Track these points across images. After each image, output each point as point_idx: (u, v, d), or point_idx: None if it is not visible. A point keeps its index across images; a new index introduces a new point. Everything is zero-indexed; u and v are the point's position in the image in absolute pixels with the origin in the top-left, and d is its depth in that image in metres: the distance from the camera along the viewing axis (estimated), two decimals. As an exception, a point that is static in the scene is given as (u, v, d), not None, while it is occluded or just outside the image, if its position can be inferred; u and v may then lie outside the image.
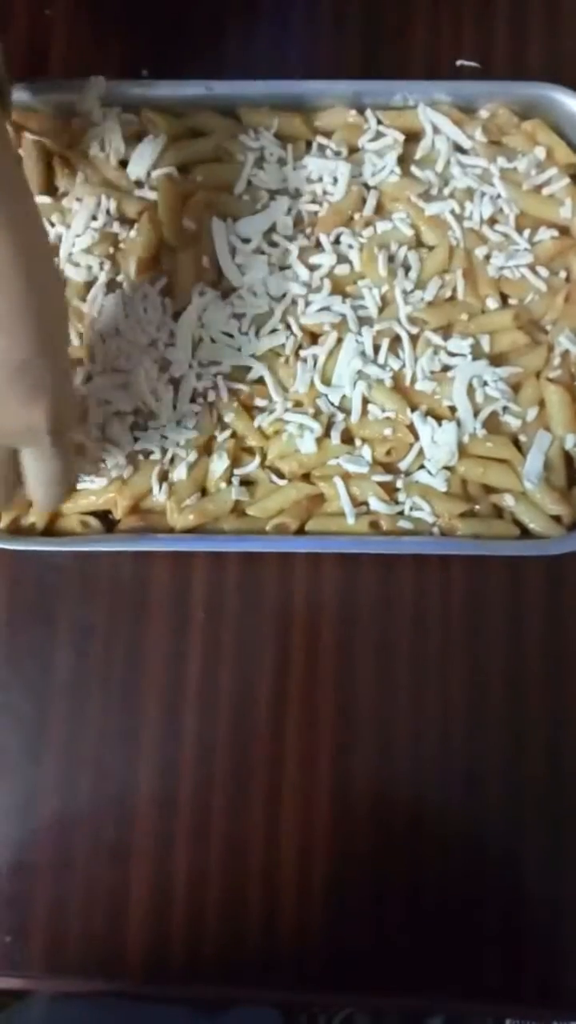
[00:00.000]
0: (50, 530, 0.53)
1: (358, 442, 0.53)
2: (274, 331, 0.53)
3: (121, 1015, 0.58)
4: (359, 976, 0.50)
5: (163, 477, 0.52)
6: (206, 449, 0.53)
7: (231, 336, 0.53)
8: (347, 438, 0.53)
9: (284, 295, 0.53)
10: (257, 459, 0.53)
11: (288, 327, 0.53)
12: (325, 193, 0.55)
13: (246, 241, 0.54)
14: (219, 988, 0.50)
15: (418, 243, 0.55)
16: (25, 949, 0.51)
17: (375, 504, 0.52)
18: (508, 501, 0.52)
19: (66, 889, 0.51)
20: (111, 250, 0.54)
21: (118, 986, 0.51)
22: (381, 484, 0.52)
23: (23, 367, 0.38)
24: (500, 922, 0.50)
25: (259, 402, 0.53)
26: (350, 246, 0.54)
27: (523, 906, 0.51)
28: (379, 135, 0.55)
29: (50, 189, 0.56)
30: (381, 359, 0.53)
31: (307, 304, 0.53)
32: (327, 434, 0.52)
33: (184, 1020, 0.62)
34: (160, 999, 0.56)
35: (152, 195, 0.55)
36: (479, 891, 0.51)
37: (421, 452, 0.52)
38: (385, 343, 0.53)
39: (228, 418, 0.53)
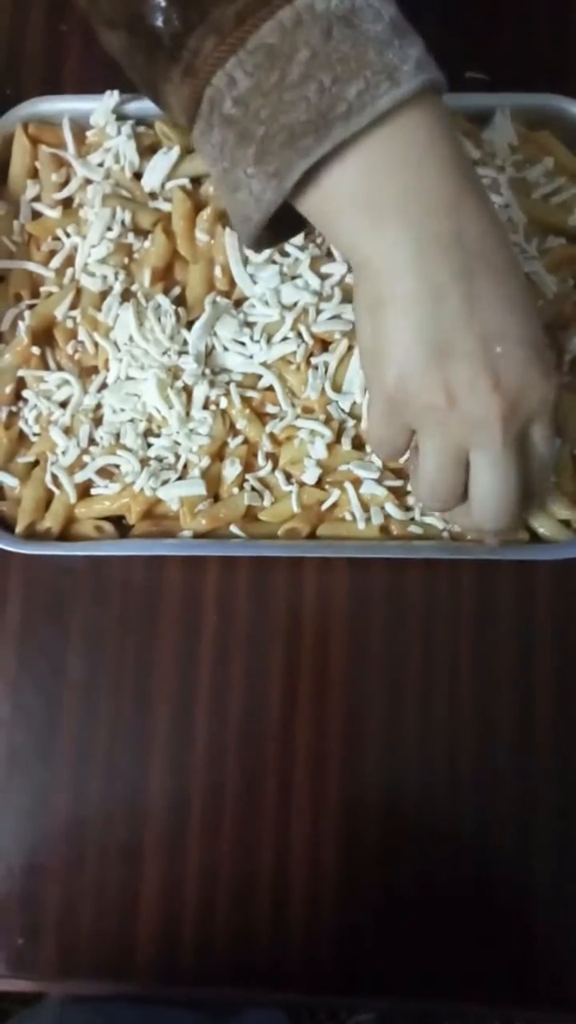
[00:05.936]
0: (65, 535, 0.53)
1: (368, 448, 0.53)
2: (285, 339, 0.54)
3: (130, 1021, 0.58)
4: (369, 979, 0.50)
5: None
6: (218, 455, 0.54)
7: (243, 344, 0.54)
8: (358, 444, 0.53)
9: (295, 304, 0.54)
10: (269, 464, 0.53)
11: (299, 335, 0.54)
12: (336, 203, 0.55)
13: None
14: (229, 990, 0.51)
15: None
16: (37, 951, 0.51)
17: (386, 509, 0.52)
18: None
19: (77, 891, 0.51)
20: (126, 260, 0.55)
21: (128, 988, 0.51)
22: (391, 489, 0.52)
23: (540, 341, 0.38)
24: (510, 925, 0.50)
25: (270, 408, 0.54)
26: (361, 255, 0.55)
27: (533, 909, 0.51)
28: (389, 146, 0.56)
29: (65, 201, 0.57)
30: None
31: (318, 312, 0.54)
32: (338, 440, 0.53)
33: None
34: (170, 1001, 0.56)
35: (166, 207, 0.56)
36: (489, 894, 0.51)
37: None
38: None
39: (240, 424, 0.53)
